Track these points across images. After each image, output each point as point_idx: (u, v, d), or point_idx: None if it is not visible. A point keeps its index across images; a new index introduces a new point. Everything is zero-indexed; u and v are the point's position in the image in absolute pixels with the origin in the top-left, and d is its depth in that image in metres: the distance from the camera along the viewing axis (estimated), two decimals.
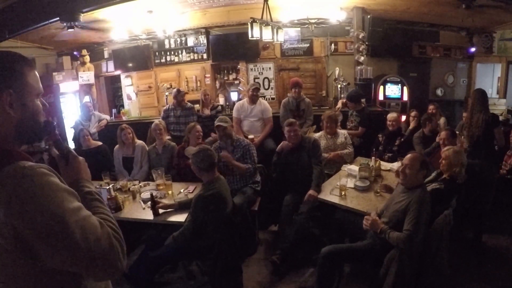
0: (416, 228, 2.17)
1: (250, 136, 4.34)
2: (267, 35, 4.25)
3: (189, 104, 4.82)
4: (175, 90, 4.85)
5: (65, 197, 0.83)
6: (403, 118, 5.01)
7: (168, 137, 4.28)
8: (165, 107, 4.97)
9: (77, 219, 0.82)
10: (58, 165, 1.05)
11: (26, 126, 0.92)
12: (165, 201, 2.91)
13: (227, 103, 5.88)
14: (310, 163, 3.31)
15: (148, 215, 2.76)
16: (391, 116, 4.14)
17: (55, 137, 1.05)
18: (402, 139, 4.04)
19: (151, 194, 2.81)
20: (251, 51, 5.85)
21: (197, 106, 4.86)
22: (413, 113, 4.53)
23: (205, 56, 6.09)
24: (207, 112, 4.71)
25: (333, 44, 5.96)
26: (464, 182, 2.73)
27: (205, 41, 5.99)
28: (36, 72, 0.96)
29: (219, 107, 5.01)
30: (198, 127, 3.70)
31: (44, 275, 0.84)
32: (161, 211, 2.76)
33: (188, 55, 6.15)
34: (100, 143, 4.03)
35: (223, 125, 3.32)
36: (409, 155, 2.43)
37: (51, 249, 0.80)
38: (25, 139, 0.95)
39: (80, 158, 1.08)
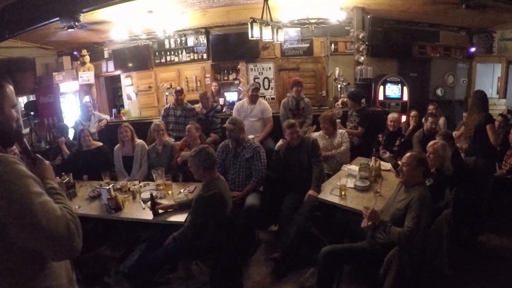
0: (417, 225, 2.17)
1: (250, 136, 4.33)
2: (267, 35, 4.25)
3: (189, 105, 4.82)
4: (174, 89, 4.86)
5: (30, 182, 0.98)
6: (403, 118, 5.01)
7: (172, 139, 4.26)
8: (165, 106, 4.96)
9: (40, 201, 0.97)
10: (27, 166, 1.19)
11: (1, 129, 1.11)
12: (165, 201, 2.91)
13: (227, 104, 5.88)
14: (310, 163, 3.31)
15: (148, 215, 2.75)
16: (391, 116, 4.13)
17: (23, 144, 1.29)
18: (402, 140, 4.03)
19: (151, 194, 2.81)
20: (251, 51, 5.85)
21: (197, 106, 4.86)
22: (412, 113, 4.53)
23: (205, 56, 6.10)
24: (204, 111, 4.71)
25: (333, 44, 5.97)
26: (453, 174, 2.81)
27: (205, 41, 6.00)
28: (12, 87, 1.16)
29: (218, 107, 5.00)
30: (189, 126, 3.69)
31: (13, 254, 0.97)
32: (160, 211, 2.76)
33: (188, 55, 6.15)
34: (100, 143, 4.03)
35: (228, 127, 3.33)
36: (406, 154, 2.44)
37: (17, 226, 0.93)
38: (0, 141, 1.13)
39: (46, 161, 1.29)
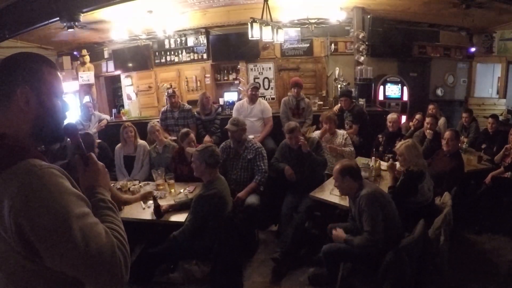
0: (374, 226, 2.23)
1: (250, 136, 4.33)
2: (267, 35, 4.25)
3: (186, 105, 4.80)
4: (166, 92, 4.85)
5: (72, 201, 0.82)
6: (404, 118, 5.00)
7: (174, 138, 4.23)
8: (162, 110, 4.94)
9: (81, 225, 0.80)
10: (77, 168, 1.04)
11: (43, 124, 0.92)
12: (165, 202, 2.90)
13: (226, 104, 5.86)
14: (311, 166, 3.29)
15: (148, 215, 2.76)
16: (390, 117, 4.13)
17: (77, 140, 1.03)
18: (402, 140, 4.03)
19: (154, 197, 2.76)
20: (251, 51, 5.84)
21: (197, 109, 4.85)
22: (417, 116, 4.51)
23: (205, 56, 6.09)
24: (206, 117, 4.71)
25: (333, 44, 5.96)
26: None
27: (205, 41, 5.99)
28: (58, 73, 0.98)
29: (219, 109, 4.99)
30: (192, 136, 3.56)
31: (48, 275, 0.83)
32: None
33: (188, 55, 6.14)
34: (98, 140, 4.03)
35: (231, 129, 3.33)
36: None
37: (50, 251, 0.78)
38: (43, 138, 0.95)
39: (100, 164, 1.06)
